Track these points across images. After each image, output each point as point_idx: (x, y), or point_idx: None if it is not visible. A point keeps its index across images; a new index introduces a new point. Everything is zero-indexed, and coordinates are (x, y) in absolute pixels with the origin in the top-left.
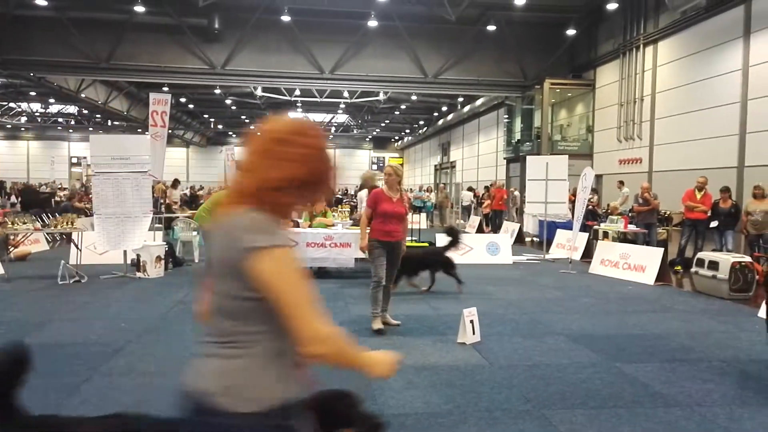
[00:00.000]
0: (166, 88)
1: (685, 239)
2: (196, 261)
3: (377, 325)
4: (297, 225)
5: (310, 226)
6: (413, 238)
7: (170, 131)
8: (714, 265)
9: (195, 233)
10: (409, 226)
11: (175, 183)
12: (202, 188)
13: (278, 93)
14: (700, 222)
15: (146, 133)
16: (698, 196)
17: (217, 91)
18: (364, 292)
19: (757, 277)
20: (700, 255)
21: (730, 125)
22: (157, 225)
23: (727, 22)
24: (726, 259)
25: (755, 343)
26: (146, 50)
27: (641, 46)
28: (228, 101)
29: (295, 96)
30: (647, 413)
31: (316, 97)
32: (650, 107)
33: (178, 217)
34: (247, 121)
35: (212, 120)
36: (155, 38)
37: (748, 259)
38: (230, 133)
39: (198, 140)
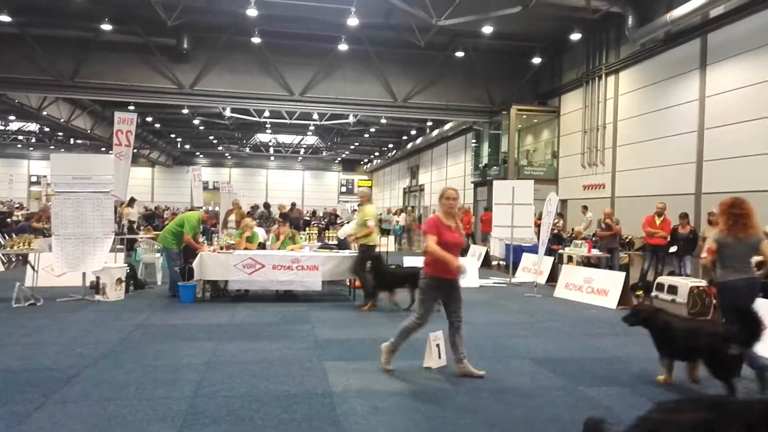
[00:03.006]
0: (132, 107)
1: (647, 264)
2: (159, 283)
3: (388, 364)
4: (263, 247)
5: (278, 249)
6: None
7: (135, 150)
8: (673, 289)
9: (158, 255)
10: (377, 249)
11: (131, 201)
12: (167, 209)
13: (247, 114)
14: (660, 247)
15: (110, 152)
16: (658, 221)
17: (185, 111)
18: (330, 315)
19: (714, 300)
20: (660, 279)
21: (688, 153)
22: (118, 246)
23: (685, 55)
24: (684, 284)
25: None
26: (112, 68)
27: (603, 75)
28: (196, 121)
29: (265, 117)
30: None
31: (285, 118)
32: (612, 134)
33: (140, 238)
34: (215, 141)
35: (179, 140)
36: (122, 57)
37: (705, 283)
38: (197, 153)
39: (164, 160)
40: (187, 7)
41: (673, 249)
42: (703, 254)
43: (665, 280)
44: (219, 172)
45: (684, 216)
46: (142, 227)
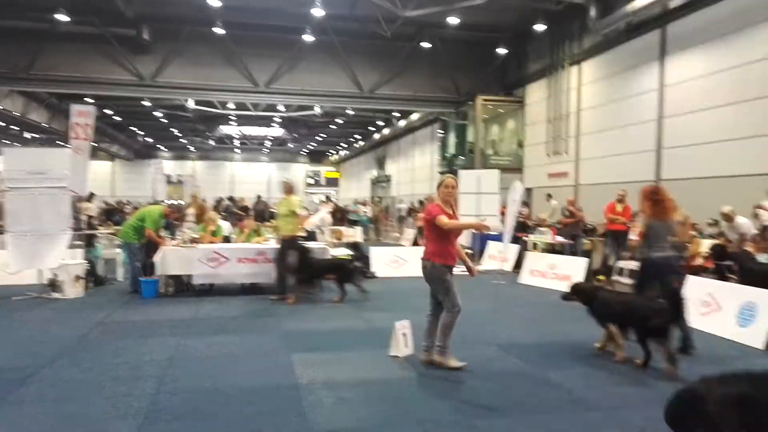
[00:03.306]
0: (90, 100)
1: (608, 249)
2: (120, 279)
3: (454, 363)
4: (228, 240)
5: (243, 242)
6: (350, 252)
7: (95, 144)
8: (632, 273)
9: (119, 250)
10: (344, 240)
11: (90, 196)
12: (128, 203)
13: (211, 106)
14: (620, 233)
15: (67, 146)
16: (619, 208)
17: (146, 104)
18: (296, 307)
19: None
20: (619, 264)
21: (647, 141)
22: (77, 242)
23: (645, 45)
24: None
25: None
26: (70, 60)
27: (567, 65)
28: (158, 114)
29: (229, 109)
30: (569, 418)
31: (250, 110)
32: (576, 124)
33: (100, 234)
34: (177, 134)
35: (141, 133)
36: (79, 48)
37: None
38: (160, 146)
39: (125, 153)
40: None
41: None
42: (635, 237)
43: (625, 264)
44: (182, 165)
45: None
46: (101, 223)
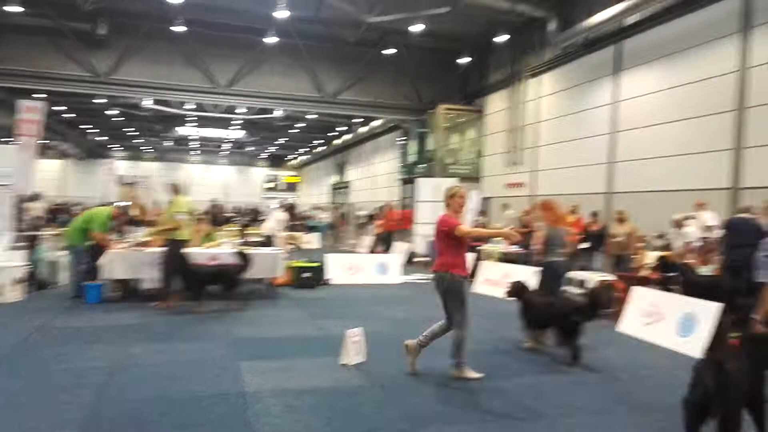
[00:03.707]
0: (41, 95)
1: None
2: (64, 283)
3: (472, 374)
4: (143, 244)
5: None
6: (306, 258)
7: (44, 142)
8: (582, 283)
9: (63, 253)
10: (303, 246)
11: (36, 196)
12: (78, 204)
13: (169, 106)
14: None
15: (13, 142)
16: (571, 219)
17: (101, 101)
18: (247, 314)
19: (619, 294)
20: (570, 274)
21: (601, 154)
22: (19, 243)
23: (601, 60)
24: (592, 278)
25: (614, 356)
26: (20, 54)
27: (526, 77)
28: (112, 112)
29: (188, 110)
30: (517, 426)
31: (209, 111)
32: (533, 135)
33: (43, 235)
34: (132, 133)
35: (94, 131)
36: (32, 41)
37: (612, 277)
38: (113, 145)
39: (76, 152)
40: None
41: (584, 245)
42: (537, 245)
43: (575, 274)
44: (137, 166)
45: (594, 214)
46: (46, 223)
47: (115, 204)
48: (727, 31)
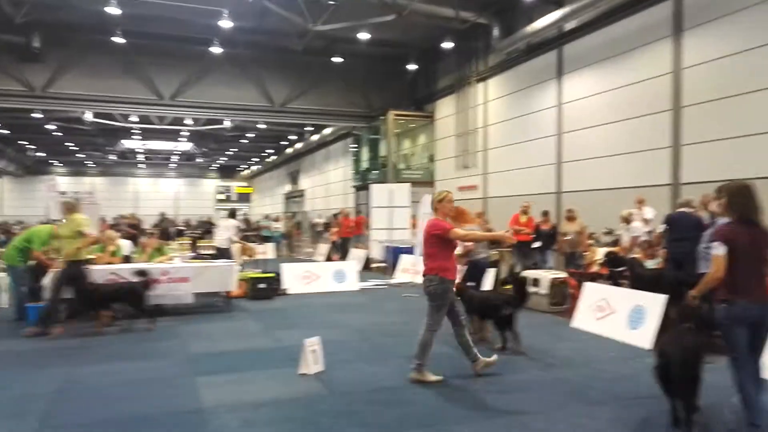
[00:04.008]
0: None
1: (515, 259)
2: (4, 306)
3: (431, 377)
4: (128, 260)
5: (145, 261)
6: (260, 269)
7: None
8: (536, 281)
9: (2, 274)
10: (258, 257)
11: None
12: (19, 223)
13: (112, 119)
14: (525, 243)
15: None
16: (523, 219)
17: (38, 116)
18: (202, 328)
19: (571, 291)
20: (525, 273)
21: (549, 155)
22: None
23: (544, 64)
24: (546, 276)
25: (569, 350)
26: None
27: (474, 82)
28: (51, 126)
29: (132, 122)
30: (476, 426)
31: (155, 124)
32: (483, 138)
33: None
34: (74, 148)
35: (32, 147)
36: None
37: (564, 275)
38: (54, 161)
39: (14, 169)
40: (37, 2)
41: (536, 244)
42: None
43: (530, 273)
44: (80, 182)
45: (545, 214)
46: None
47: (56, 222)
48: (660, 35)
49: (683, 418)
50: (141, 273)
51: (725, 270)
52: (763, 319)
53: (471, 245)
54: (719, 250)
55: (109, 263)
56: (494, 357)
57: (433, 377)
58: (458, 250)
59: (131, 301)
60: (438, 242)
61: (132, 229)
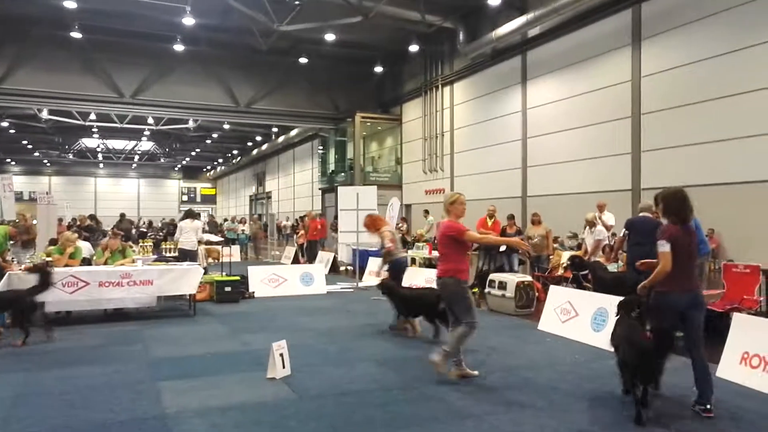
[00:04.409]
0: None
1: (481, 262)
2: None
3: (470, 372)
4: (88, 263)
5: (105, 263)
6: (224, 272)
7: None
8: (503, 285)
9: None
10: (223, 260)
11: None
12: None
13: (69, 116)
14: (492, 246)
15: None
16: (489, 223)
17: None
18: (165, 332)
19: (537, 294)
20: (491, 276)
21: (515, 159)
22: None
23: (509, 70)
24: (512, 280)
25: (533, 352)
26: None
27: (440, 86)
28: (4, 123)
29: (91, 121)
30: (444, 428)
31: (115, 122)
32: (450, 142)
33: None
34: (29, 146)
35: None
36: None
37: (529, 278)
38: (8, 159)
39: None
40: None
41: (502, 248)
42: (390, 245)
43: (496, 276)
44: (36, 181)
45: (511, 217)
46: None
47: (11, 222)
48: (620, 43)
49: (640, 399)
50: (38, 270)
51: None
52: (693, 306)
53: (392, 246)
54: (665, 247)
55: (67, 266)
56: (476, 372)
57: (473, 372)
58: (385, 249)
59: (21, 310)
60: (452, 243)
61: (85, 231)
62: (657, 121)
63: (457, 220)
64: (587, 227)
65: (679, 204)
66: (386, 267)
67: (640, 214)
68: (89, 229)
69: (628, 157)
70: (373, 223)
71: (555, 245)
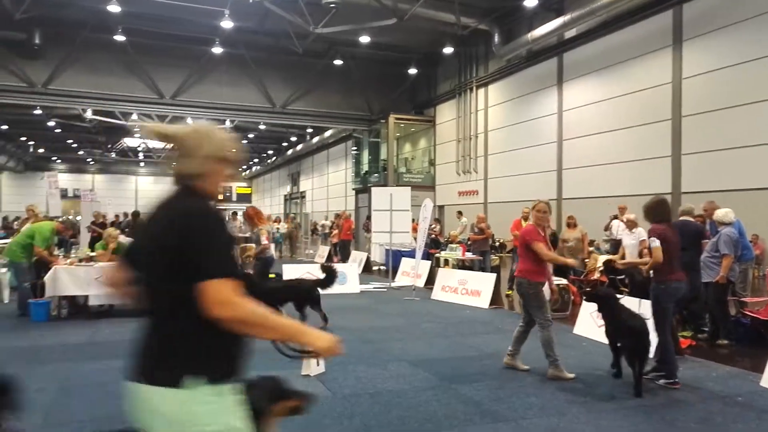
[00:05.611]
0: None
1: (515, 265)
2: (6, 301)
3: (566, 374)
4: (90, 259)
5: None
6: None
7: None
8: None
9: (4, 270)
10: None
11: None
12: (17, 219)
13: (112, 117)
14: None
15: None
16: (524, 224)
17: (38, 112)
18: None
19: (573, 297)
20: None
21: (549, 162)
22: None
23: (545, 71)
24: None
25: (569, 356)
26: None
27: (474, 88)
28: (51, 123)
29: (132, 121)
30: (477, 431)
31: (156, 122)
32: (484, 144)
33: None
34: (74, 145)
35: (31, 143)
36: None
37: (565, 281)
38: (54, 158)
39: (14, 165)
40: None
41: None
42: (266, 241)
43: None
44: (80, 179)
45: None
46: None
47: (58, 218)
48: (660, 45)
49: (636, 376)
50: (326, 269)
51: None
52: (685, 294)
53: (266, 245)
54: (656, 242)
55: (110, 261)
56: (572, 375)
57: (568, 374)
58: (255, 249)
59: (309, 301)
60: (526, 247)
61: (100, 228)
62: (698, 124)
63: (538, 227)
64: (626, 229)
65: (660, 208)
66: (255, 263)
67: (681, 218)
68: (102, 225)
69: (668, 160)
70: (256, 216)
71: (590, 248)
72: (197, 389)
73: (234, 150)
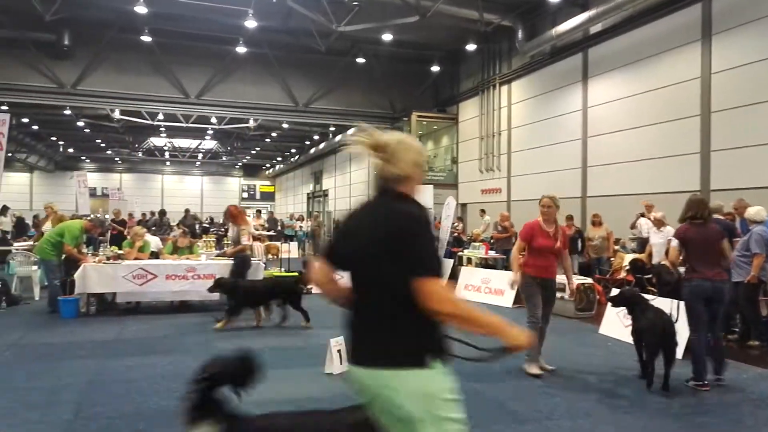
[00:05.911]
0: (4, 107)
1: None
2: (37, 298)
3: (533, 369)
4: (156, 256)
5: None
6: (283, 268)
7: (9, 154)
8: (561, 287)
9: (35, 267)
10: (282, 256)
11: (4, 210)
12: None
13: (139, 116)
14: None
15: None
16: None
17: (68, 112)
18: (228, 326)
19: (598, 297)
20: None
21: (574, 159)
22: None
23: (569, 67)
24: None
25: (594, 356)
26: None
27: (497, 84)
28: (80, 123)
29: (158, 120)
30: (502, 430)
31: (181, 122)
32: (507, 141)
33: (14, 249)
34: (102, 145)
35: (61, 143)
36: None
37: (591, 281)
38: (83, 157)
39: (44, 164)
40: (67, 0)
41: None
42: (247, 242)
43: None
44: (108, 178)
45: (570, 218)
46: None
47: (87, 217)
48: (688, 39)
49: (663, 374)
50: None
51: (685, 257)
52: (715, 294)
53: (247, 245)
54: (673, 242)
55: (137, 259)
56: (539, 372)
57: (533, 368)
58: (231, 248)
59: (289, 298)
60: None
61: (119, 226)
62: (728, 120)
63: (543, 222)
64: (654, 227)
65: (686, 208)
66: (233, 261)
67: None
68: (122, 223)
69: (697, 157)
70: (240, 215)
71: (616, 247)
72: (436, 367)
73: (426, 158)
